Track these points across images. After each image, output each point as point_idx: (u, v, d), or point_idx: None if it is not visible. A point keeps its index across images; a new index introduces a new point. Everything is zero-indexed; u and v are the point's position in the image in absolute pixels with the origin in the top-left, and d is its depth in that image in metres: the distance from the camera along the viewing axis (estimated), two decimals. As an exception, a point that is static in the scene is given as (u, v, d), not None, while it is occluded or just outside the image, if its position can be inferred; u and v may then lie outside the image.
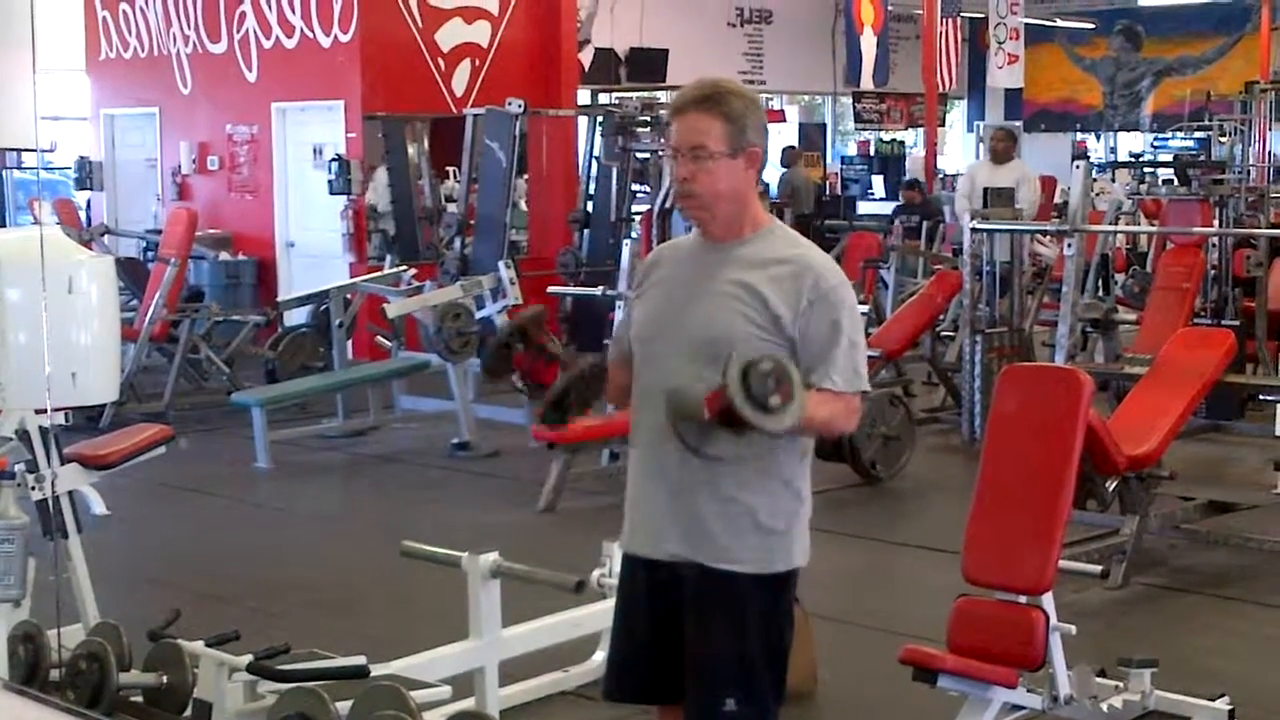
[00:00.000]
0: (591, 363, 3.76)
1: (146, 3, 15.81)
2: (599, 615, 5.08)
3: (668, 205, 11.62)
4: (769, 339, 3.41)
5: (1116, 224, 14.20)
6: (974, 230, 10.05)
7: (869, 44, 20.56)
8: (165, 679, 4.15)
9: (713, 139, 3.45)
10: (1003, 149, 13.54)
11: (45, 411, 4.50)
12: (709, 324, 3.46)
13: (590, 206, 14.85)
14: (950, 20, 22.02)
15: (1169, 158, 19.44)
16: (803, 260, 3.48)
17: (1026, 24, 21.66)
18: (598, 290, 11.71)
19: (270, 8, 14.60)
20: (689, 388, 3.32)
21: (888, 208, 19.75)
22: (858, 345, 3.49)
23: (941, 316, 11.89)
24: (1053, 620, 4.59)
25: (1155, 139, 22.60)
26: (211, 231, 14.86)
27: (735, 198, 3.50)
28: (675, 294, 3.56)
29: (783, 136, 21.40)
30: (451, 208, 13.83)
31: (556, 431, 3.02)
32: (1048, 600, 4.62)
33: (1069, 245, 9.51)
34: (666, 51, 19.72)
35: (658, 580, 3.55)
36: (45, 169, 16.41)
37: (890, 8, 21.08)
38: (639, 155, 14.07)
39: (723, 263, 3.51)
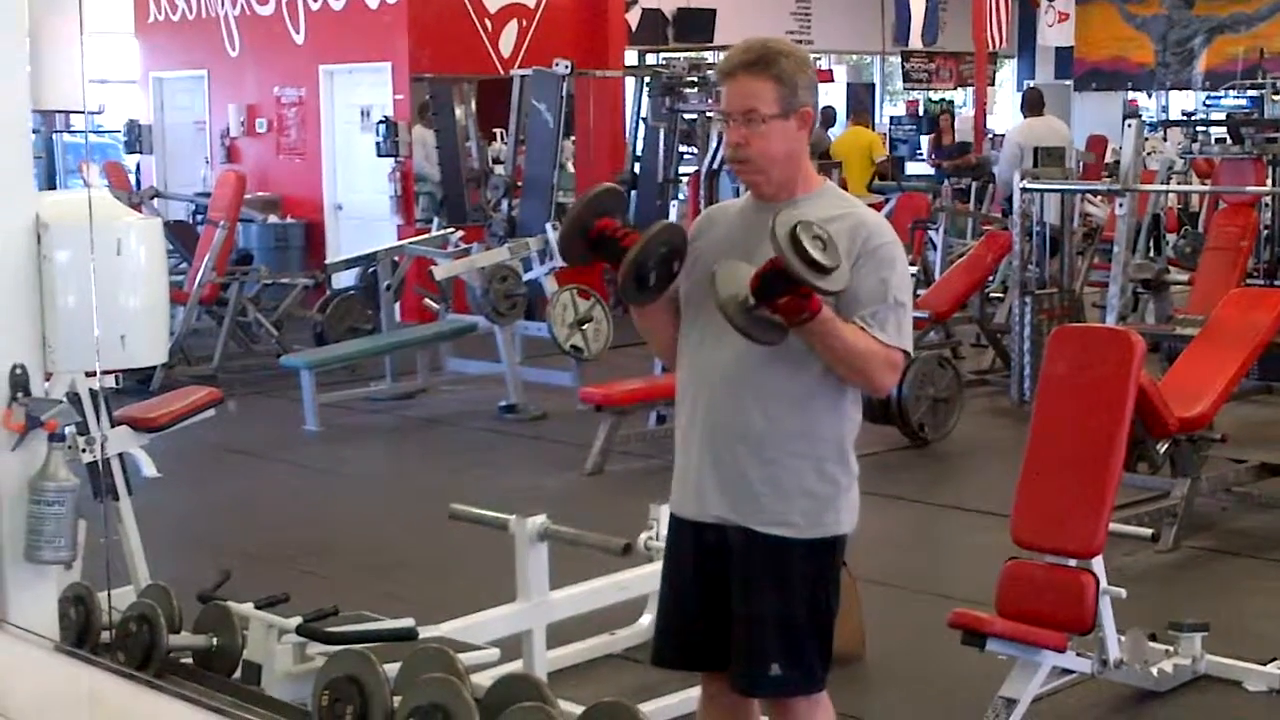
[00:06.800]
0: (666, 224, 3.62)
1: (194, -35, 15.86)
2: (646, 578, 5.08)
3: (715, 166, 11.59)
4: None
5: (1168, 183, 14.05)
6: (1024, 190, 9.97)
7: (918, 2, 20.39)
8: (215, 641, 4.16)
9: (764, 102, 3.42)
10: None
11: (95, 374, 4.51)
12: None
13: (637, 168, 14.84)
14: (1000, -22, 21.78)
15: (1222, 116, 19.19)
16: (854, 217, 3.47)
17: (1077, -19, 21.42)
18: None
19: (317, -31, 14.61)
20: (734, 265, 3.29)
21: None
22: (904, 305, 3.46)
23: (990, 278, 11.82)
24: (1103, 584, 4.57)
25: (1208, 97, 22.28)
26: (260, 194, 14.90)
27: (789, 159, 3.48)
28: (727, 255, 3.50)
29: (829, 96, 21.23)
30: (499, 169, 13.83)
31: (636, 302, 2.90)
32: (1098, 563, 4.60)
33: (1120, 205, 9.42)
34: (714, 11, 19.57)
35: (705, 543, 3.54)
36: (95, 132, 16.45)
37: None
38: (686, 116, 14.02)
39: None
